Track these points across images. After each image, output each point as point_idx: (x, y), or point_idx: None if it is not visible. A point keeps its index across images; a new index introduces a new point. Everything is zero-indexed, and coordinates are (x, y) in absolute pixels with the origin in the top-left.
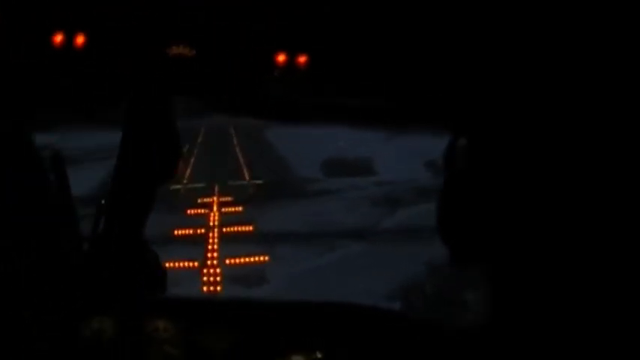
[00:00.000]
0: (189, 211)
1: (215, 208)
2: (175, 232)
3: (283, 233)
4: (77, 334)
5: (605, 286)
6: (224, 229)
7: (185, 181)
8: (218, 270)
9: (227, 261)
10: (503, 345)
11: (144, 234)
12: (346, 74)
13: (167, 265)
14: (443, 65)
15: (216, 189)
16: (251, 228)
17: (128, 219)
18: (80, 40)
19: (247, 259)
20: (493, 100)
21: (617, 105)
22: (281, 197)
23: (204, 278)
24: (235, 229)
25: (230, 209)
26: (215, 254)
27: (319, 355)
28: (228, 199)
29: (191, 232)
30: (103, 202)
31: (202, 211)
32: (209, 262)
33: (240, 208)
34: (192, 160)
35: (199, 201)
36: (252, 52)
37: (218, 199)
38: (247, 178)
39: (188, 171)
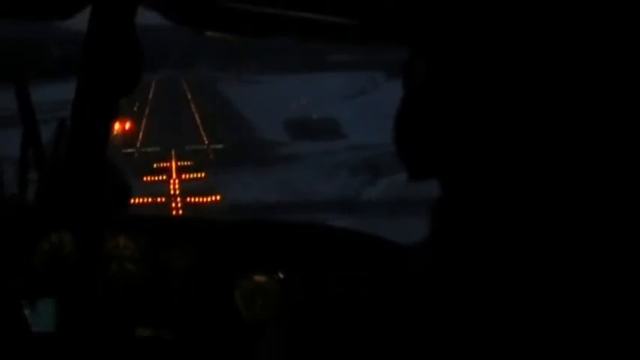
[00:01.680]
0: (145, 178)
1: (174, 175)
2: (132, 202)
3: (254, 205)
4: (35, 248)
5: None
6: (187, 199)
7: (138, 145)
8: None
9: None
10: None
11: (108, 149)
12: None
13: None
14: None
15: (173, 153)
16: (218, 198)
17: (92, 131)
18: None
19: None
20: (454, 16)
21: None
22: (246, 163)
23: None
24: (200, 199)
25: (191, 176)
26: None
27: (281, 275)
28: (187, 163)
29: (150, 200)
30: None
31: (160, 177)
32: None
33: (203, 175)
34: (143, 120)
35: (155, 166)
36: None
37: (176, 164)
38: (206, 141)
39: (140, 133)
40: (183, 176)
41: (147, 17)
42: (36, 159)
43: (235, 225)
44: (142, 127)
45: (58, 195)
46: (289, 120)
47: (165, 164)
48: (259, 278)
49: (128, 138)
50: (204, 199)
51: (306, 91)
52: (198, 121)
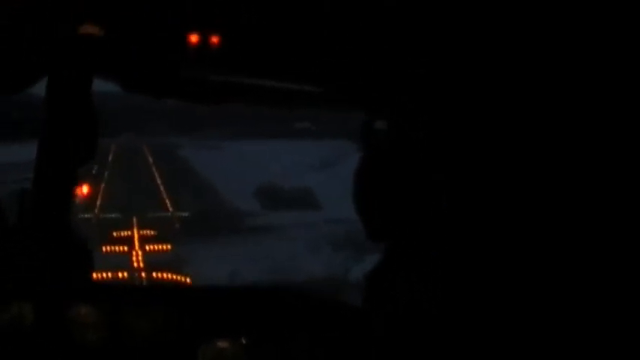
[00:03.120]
0: (105, 248)
1: (137, 246)
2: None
3: (231, 281)
4: None
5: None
6: (153, 274)
7: (96, 211)
8: None
9: None
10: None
11: (70, 217)
12: (259, 55)
13: None
14: (360, 48)
15: (135, 221)
16: (188, 280)
17: (53, 201)
18: None
19: None
20: (414, 82)
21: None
22: (215, 234)
23: None
24: (167, 275)
25: (155, 247)
26: None
27: (244, 341)
28: (151, 233)
29: (110, 275)
30: (26, 187)
31: (122, 248)
32: None
33: (169, 247)
34: (102, 185)
35: (115, 235)
36: (164, 31)
37: (139, 233)
38: (170, 208)
39: (99, 198)
40: (147, 247)
41: (106, 84)
42: None
43: (199, 291)
44: (101, 191)
45: (18, 265)
46: (259, 189)
47: (126, 233)
48: (222, 344)
49: (85, 203)
50: (171, 276)
51: (272, 159)
52: (161, 188)
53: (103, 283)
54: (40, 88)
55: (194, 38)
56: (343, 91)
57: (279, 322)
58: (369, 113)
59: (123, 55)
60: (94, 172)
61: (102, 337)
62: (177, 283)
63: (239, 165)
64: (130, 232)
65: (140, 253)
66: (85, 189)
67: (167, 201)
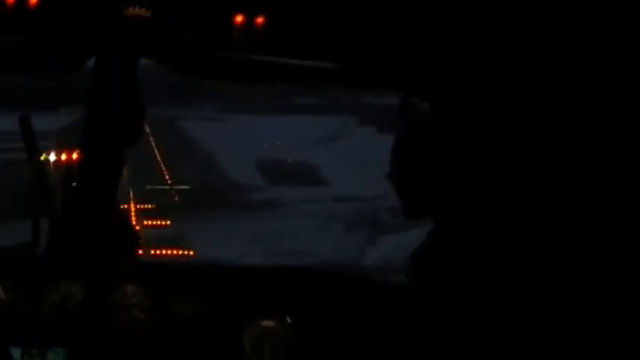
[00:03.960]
0: None
1: (134, 221)
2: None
3: (237, 265)
4: (45, 299)
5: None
6: (151, 252)
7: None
8: None
9: None
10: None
11: (115, 198)
12: (303, 36)
13: None
14: (401, 27)
15: (131, 194)
16: (192, 253)
17: (99, 182)
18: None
19: None
20: (452, 65)
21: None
22: (217, 208)
23: None
24: (167, 252)
25: (153, 222)
26: None
27: (289, 320)
28: (149, 206)
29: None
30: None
31: None
32: None
33: (168, 222)
34: None
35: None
36: (210, 12)
37: (135, 207)
38: (169, 181)
39: None
40: (145, 222)
41: None
42: (46, 209)
43: (244, 270)
44: None
45: (67, 245)
46: (262, 162)
47: (123, 206)
48: (267, 323)
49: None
50: (172, 252)
51: (273, 132)
52: (159, 159)
53: (150, 263)
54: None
55: (239, 19)
56: (379, 72)
57: (319, 301)
58: (406, 93)
59: (169, 37)
60: None
61: (148, 316)
62: (220, 264)
63: (239, 138)
64: (126, 206)
65: (137, 228)
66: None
67: (166, 174)
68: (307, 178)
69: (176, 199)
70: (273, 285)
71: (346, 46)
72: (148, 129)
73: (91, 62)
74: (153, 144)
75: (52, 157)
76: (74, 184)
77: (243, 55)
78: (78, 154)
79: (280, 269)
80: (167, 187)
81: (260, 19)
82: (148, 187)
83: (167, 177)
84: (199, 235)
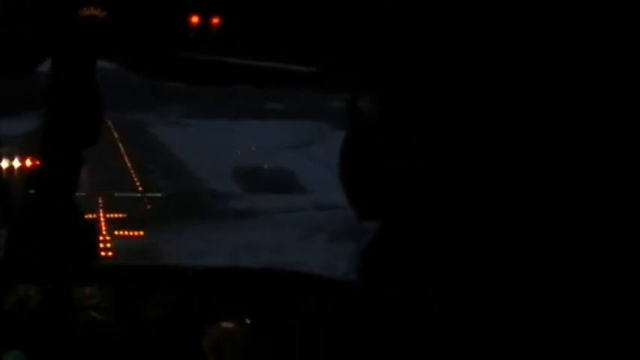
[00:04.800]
0: None
1: (104, 229)
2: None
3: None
4: (3, 301)
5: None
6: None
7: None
8: None
9: None
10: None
11: (75, 201)
12: (259, 36)
13: None
14: (350, 28)
15: (101, 202)
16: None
17: (58, 185)
18: None
19: None
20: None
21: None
22: (192, 218)
23: None
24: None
25: (125, 233)
26: None
27: (248, 321)
28: (119, 215)
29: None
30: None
31: None
32: None
33: (141, 233)
34: None
35: None
36: (165, 13)
37: (105, 216)
38: (140, 188)
39: None
40: (117, 232)
41: None
42: (3, 211)
43: (203, 272)
44: None
45: (24, 247)
46: (236, 169)
47: (91, 216)
48: (227, 325)
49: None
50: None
51: (246, 137)
52: (129, 165)
53: (109, 265)
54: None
55: (195, 19)
56: (336, 72)
57: (281, 302)
58: (353, 93)
59: (125, 37)
60: None
61: (106, 318)
62: (180, 266)
63: (211, 144)
64: (95, 215)
65: (108, 239)
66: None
67: (136, 180)
68: (285, 185)
69: (148, 207)
70: (235, 286)
71: (304, 46)
72: (117, 135)
73: (47, 64)
74: (122, 150)
75: (16, 163)
76: (34, 187)
77: (199, 56)
78: (39, 158)
79: (242, 271)
80: (138, 194)
81: (216, 20)
82: (118, 194)
83: (138, 184)
84: (173, 248)
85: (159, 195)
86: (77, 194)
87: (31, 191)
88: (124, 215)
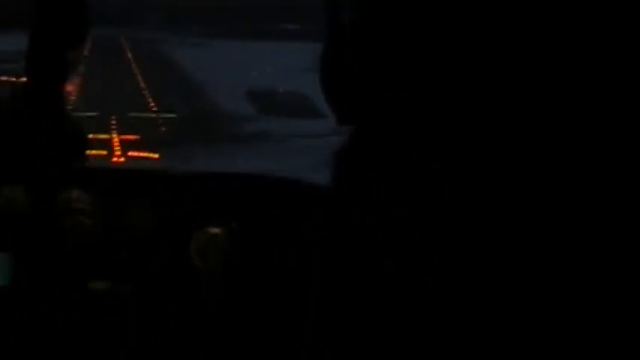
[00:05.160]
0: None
1: (118, 151)
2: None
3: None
4: None
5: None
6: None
7: (70, 108)
8: None
9: None
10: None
11: (63, 102)
12: None
13: None
14: None
15: (114, 122)
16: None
17: (45, 86)
18: None
19: None
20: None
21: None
22: (209, 139)
23: None
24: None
25: (139, 154)
26: None
27: (235, 226)
28: (134, 137)
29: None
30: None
31: (99, 152)
32: None
33: (156, 156)
34: (76, 80)
35: (91, 137)
36: None
37: (119, 136)
38: (155, 109)
39: (72, 94)
40: (130, 153)
41: None
42: None
43: (189, 176)
44: (75, 87)
45: (10, 149)
46: (251, 91)
47: (104, 136)
48: (214, 230)
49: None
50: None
51: (261, 60)
52: (143, 85)
53: (96, 168)
54: None
55: None
56: None
57: (269, 208)
58: None
59: None
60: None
61: (93, 222)
62: (166, 171)
63: (226, 64)
64: (109, 136)
65: (122, 160)
66: None
67: (151, 101)
68: (301, 109)
69: (163, 128)
70: (221, 190)
71: None
72: (130, 55)
73: None
74: (137, 70)
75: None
76: (19, 89)
77: None
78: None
79: (229, 175)
80: (153, 115)
81: None
82: (131, 114)
83: (152, 105)
84: (189, 169)
85: (174, 116)
86: (66, 98)
87: (18, 92)
88: (138, 136)
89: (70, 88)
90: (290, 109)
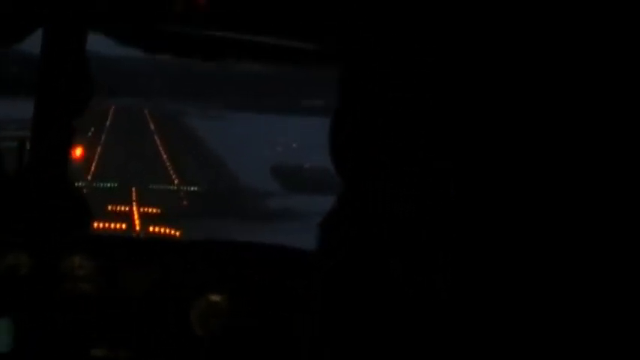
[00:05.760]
0: (97, 224)
1: (137, 224)
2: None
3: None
4: None
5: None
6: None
7: (89, 178)
8: None
9: None
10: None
11: (67, 169)
12: (246, 12)
13: None
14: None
15: (134, 194)
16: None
17: (50, 152)
18: None
19: None
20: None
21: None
22: (229, 216)
23: None
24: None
25: (159, 229)
26: None
27: (235, 295)
28: (155, 210)
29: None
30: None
31: (118, 226)
32: None
33: (178, 233)
34: (98, 149)
35: (111, 209)
36: None
37: (139, 208)
38: (176, 181)
39: (93, 164)
40: (150, 228)
41: (112, 48)
42: None
43: (192, 245)
44: (96, 156)
45: (15, 215)
46: (274, 166)
47: (124, 208)
48: (214, 298)
49: (78, 168)
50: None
51: (282, 135)
52: (165, 157)
53: (98, 235)
54: (37, 45)
55: None
56: (329, 46)
57: (266, 276)
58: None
59: (115, 8)
60: (89, 134)
61: (95, 288)
62: (168, 239)
63: (248, 138)
64: (128, 208)
65: (142, 235)
66: (78, 151)
67: (172, 173)
68: (326, 185)
69: (184, 202)
70: (222, 260)
71: (294, 20)
72: (152, 126)
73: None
74: (158, 142)
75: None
76: (25, 153)
77: (188, 29)
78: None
79: (230, 245)
80: (174, 187)
81: None
82: (152, 186)
83: (174, 177)
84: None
85: (195, 189)
86: (69, 165)
87: (23, 158)
88: (159, 210)
89: (87, 154)
90: (315, 185)
